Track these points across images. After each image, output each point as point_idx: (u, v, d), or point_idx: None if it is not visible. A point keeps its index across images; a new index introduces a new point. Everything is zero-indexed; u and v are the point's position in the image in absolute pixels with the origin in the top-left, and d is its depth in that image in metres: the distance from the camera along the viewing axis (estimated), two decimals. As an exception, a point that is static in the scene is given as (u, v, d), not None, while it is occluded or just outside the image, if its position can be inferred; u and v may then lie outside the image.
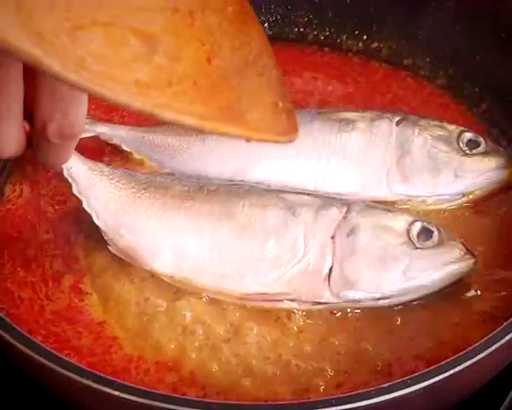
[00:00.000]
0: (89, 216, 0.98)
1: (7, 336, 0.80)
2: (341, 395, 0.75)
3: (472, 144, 1.05)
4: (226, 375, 0.89)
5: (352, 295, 0.92)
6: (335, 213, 0.95)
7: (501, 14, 1.12)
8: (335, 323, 0.93)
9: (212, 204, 0.97)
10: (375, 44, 1.25)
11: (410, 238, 0.93)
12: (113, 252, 0.97)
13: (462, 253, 0.94)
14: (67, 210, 1.04)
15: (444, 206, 1.03)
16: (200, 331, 0.92)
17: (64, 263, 0.99)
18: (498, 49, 1.13)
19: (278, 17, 1.27)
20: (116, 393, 0.75)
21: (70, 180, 0.98)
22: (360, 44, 1.25)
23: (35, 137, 0.70)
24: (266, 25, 1.28)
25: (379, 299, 0.92)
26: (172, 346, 0.91)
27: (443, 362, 0.77)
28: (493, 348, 0.78)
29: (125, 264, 0.97)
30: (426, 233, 0.94)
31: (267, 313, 0.93)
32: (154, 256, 0.96)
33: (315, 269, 0.93)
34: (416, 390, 0.75)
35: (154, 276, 0.96)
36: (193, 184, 1.00)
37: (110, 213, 0.97)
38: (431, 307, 0.93)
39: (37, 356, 0.78)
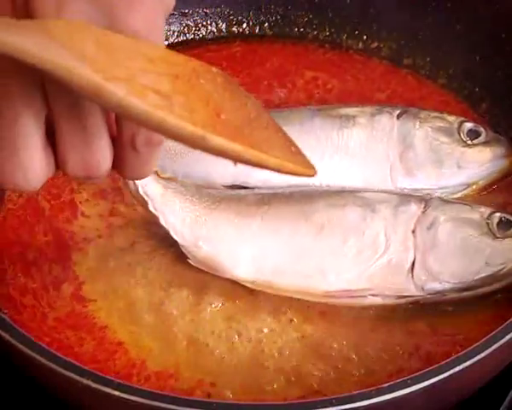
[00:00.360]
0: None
1: (7, 336, 0.80)
2: (341, 395, 0.75)
3: (473, 134, 1.06)
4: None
5: (436, 286, 0.93)
6: (414, 208, 0.97)
7: (501, 14, 1.12)
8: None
9: (289, 206, 0.98)
10: (375, 44, 1.25)
11: (490, 229, 0.95)
12: (193, 264, 0.97)
13: None
14: (63, 206, 1.05)
15: (449, 197, 1.04)
16: (211, 340, 0.92)
17: (64, 267, 0.99)
18: (498, 50, 1.13)
19: (278, 17, 1.27)
20: (116, 393, 0.75)
21: (145, 198, 0.98)
22: (360, 44, 1.25)
23: (121, 151, 0.70)
24: (266, 25, 1.28)
25: (463, 290, 0.93)
26: (184, 351, 0.91)
27: (443, 362, 0.77)
28: (493, 348, 0.78)
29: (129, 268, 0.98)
30: (506, 223, 0.96)
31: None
32: (234, 263, 0.96)
33: (397, 263, 0.94)
34: (416, 390, 0.75)
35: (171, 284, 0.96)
36: (267, 191, 1.01)
37: (187, 227, 0.98)
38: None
39: (37, 356, 0.78)
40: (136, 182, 0.97)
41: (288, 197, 1.00)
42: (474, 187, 1.05)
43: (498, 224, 0.96)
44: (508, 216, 0.97)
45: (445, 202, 0.99)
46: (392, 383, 0.75)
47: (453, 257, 0.94)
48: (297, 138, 1.04)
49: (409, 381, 0.75)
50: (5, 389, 0.96)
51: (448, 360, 0.77)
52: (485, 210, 0.97)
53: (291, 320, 0.94)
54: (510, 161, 1.06)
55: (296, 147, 0.72)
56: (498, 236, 0.95)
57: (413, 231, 0.95)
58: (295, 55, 1.24)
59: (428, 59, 1.21)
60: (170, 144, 1.08)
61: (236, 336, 0.93)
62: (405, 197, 0.99)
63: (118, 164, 0.71)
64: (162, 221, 0.98)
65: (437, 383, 0.76)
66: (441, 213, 0.96)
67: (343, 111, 1.07)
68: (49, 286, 0.97)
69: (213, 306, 0.95)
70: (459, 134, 1.05)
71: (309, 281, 0.95)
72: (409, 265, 0.94)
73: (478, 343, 0.79)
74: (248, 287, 0.96)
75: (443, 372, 0.76)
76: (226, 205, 0.99)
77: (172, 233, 0.98)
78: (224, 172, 1.05)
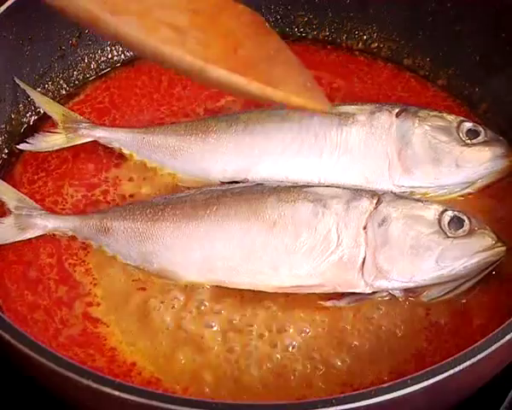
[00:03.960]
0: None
1: (7, 336, 0.80)
2: (341, 395, 0.75)
3: (472, 134, 1.06)
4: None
5: (385, 284, 0.94)
6: (366, 203, 0.96)
7: (501, 14, 1.12)
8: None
9: (239, 205, 0.97)
10: (375, 44, 1.25)
11: (441, 228, 0.95)
12: (152, 276, 0.98)
13: (494, 241, 0.95)
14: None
15: (447, 196, 1.04)
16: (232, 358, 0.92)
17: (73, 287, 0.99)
18: (498, 50, 1.12)
19: (278, 17, 1.27)
20: (116, 393, 0.75)
21: (87, 241, 1.01)
22: (360, 44, 1.25)
23: None
24: (266, 25, 1.28)
25: (412, 289, 0.94)
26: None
27: (443, 362, 0.77)
28: (493, 348, 0.78)
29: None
30: (457, 222, 0.95)
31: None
32: (186, 270, 0.97)
33: (349, 260, 0.94)
34: (416, 390, 0.75)
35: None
36: (216, 190, 1.01)
37: (132, 248, 0.99)
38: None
39: (37, 356, 0.78)
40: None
41: (237, 195, 0.99)
42: (473, 186, 1.05)
43: (450, 222, 0.95)
44: (460, 215, 0.96)
45: (398, 197, 0.99)
46: (392, 383, 0.76)
47: (403, 255, 0.94)
48: (296, 136, 1.05)
49: (409, 381, 0.75)
50: (5, 389, 0.96)
51: (448, 360, 0.77)
52: (438, 208, 0.97)
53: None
54: (509, 161, 1.06)
55: (312, 82, 0.73)
56: (449, 235, 0.95)
57: (364, 228, 0.95)
58: (295, 54, 1.24)
59: (428, 59, 1.21)
60: (169, 141, 1.08)
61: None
62: (358, 192, 0.98)
63: None
64: (108, 252, 0.99)
65: (437, 383, 0.76)
66: (393, 210, 0.96)
67: (342, 109, 1.07)
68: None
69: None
70: (458, 133, 1.06)
71: (262, 278, 0.95)
72: (360, 261, 0.94)
73: (478, 343, 0.79)
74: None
75: (443, 372, 0.76)
76: (171, 211, 0.99)
77: (121, 259, 0.99)
78: (223, 168, 1.06)
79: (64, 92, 1.20)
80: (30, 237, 1.01)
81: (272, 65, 0.70)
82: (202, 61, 0.63)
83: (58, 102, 1.16)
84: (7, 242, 1.00)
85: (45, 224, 1.01)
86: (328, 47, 1.25)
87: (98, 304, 0.96)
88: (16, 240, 1.00)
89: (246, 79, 0.66)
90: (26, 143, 1.10)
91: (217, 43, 0.66)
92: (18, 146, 1.10)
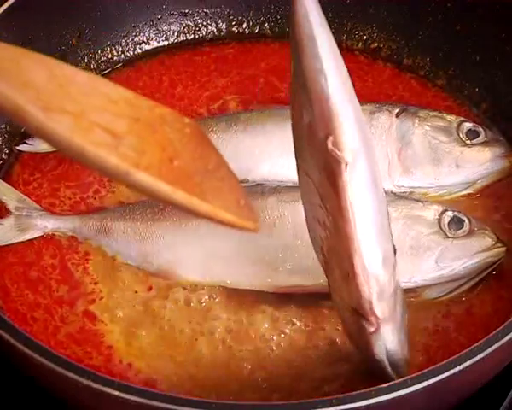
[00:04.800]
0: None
1: (7, 336, 0.80)
2: (341, 395, 0.75)
3: (472, 134, 1.06)
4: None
5: None
6: None
7: (501, 14, 1.12)
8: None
9: None
10: (375, 44, 1.25)
11: (441, 228, 0.95)
12: (152, 275, 0.98)
13: (493, 241, 0.95)
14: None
15: (447, 197, 1.04)
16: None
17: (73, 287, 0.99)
18: (498, 49, 1.13)
19: (278, 17, 1.27)
20: (116, 393, 0.74)
21: (87, 241, 1.00)
22: (360, 45, 1.25)
23: None
24: (266, 25, 1.28)
25: (411, 290, 0.93)
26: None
27: (443, 362, 0.77)
28: (493, 348, 0.78)
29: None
30: (457, 222, 0.95)
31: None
32: (186, 270, 0.97)
33: None
34: (416, 390, 0.75)
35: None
36: None
37: (133, 248, 0.99)
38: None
39: (37, 356, 0.78)
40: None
41: None
42: (473, 186, 1.05)
43: (450, 222, 0.95)
44: (460, 215, 0.96)
45: (398, 197, 0.99)
46: (392, 383, 0.75)
47: (403, 255, 0.92)
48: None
49: (409, 381, 0.75)
50: (5, 389, 0.96)
51: (448, 359, 0.77)
52: (438, 208, 0.97)
53: None
54: (509, 162, 1.06)
55: (246, 201, 0.72)
56: (449, 235, 0.95)
57: None
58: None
59: (428, 59, 1.21)
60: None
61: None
62: None
63: None
64: (109, 251, 0.99)
65: (437, 383, 0.75)
66: (393, 210, 0.95)
67: None
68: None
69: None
70: (458, 134, 1.06)
71: (261, 278, 0.95)
72: None
73: (478, 343, 0.79)
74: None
75: (443, 372, 0.76)
76: (172, 210, 0.98)
77: (121, 259, 0.99)
78: None
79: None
80: (29, 237, 1.01)
81: (207, 179, 0.69)
82: (127, 165, 0.63)
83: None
84: (7, 243, 1.00)
85: (45, 224, 1.01)
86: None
87: (98, 302, 0.96)
88: (16, 241, 1.01)
89: (172, 187, 0.65)
90: (25, 145, 1.10)
91: (152, 151, 0.66)
92: (17, 147, 1.10)
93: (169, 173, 0.66)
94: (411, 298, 0.94)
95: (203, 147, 0.72)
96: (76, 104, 0.64)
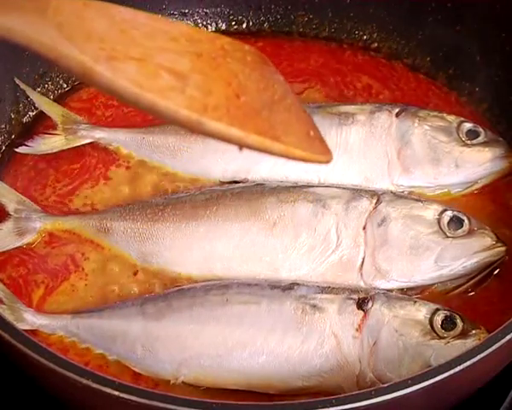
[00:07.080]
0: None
1: (7, 336, 0.80)
2: (341, 395, 0.75)
3: (472, 134, 1.06)
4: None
5: (384, 284, 0.93)
6: (366, 203, 0.96)
7: (501, 15, 1.12)
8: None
9: (239, 205, 0.98)
10: (375, 44, 1.24)
11: (440, 227, 0.95)
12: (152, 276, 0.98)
13: (493, 241, 0.96)
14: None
15: (446, 196, 1.04)
16: None
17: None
18: (498, 50, 1.12)
19: (278, 17, 1.27)
20: (116, 393, 0.74)
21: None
22: (360, 44, 1.25)
23: None
24: (266, 24, 1.28)
25: (411, 288, 0.93)
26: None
27: (443, 362, 0.77)
28: (493, 348, 0.78)
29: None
30: (456, 222, 0.96)
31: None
32: (186, 269, 0.97)
33: (348, 260, 0.94)
34: (416, 390, 0.75)
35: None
36: (216, 190, 1.01)
37: (132, 248, 0.99)
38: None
39: (37, 356, 0.78)
40: None
41: (237, 195, 0.99)
42: (473, 187, 1.05)
43: (449, 222, 0.95)
44: (459, 215, 0.96)
45: (398, 197, 0.99)
46: (392, 383, 0.76)
47: (402, 255, 0.94)
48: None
49: (409, 381, 0.75)
50: (5, 389, 0.96)
51: (448, 360, 0.77)
52: (438, 207, 0.97)
53: None
54: (509, 162, 1.06)
55: (316, 131, 0.71)
56: (449, 235, 0.95)
57: (364, 228, 0.95)
58: (295, 53, 1.24)
59: (428, 59, 1.21)
60: (169, 141, 1.08)
61: None
62: (357, 192, 0.98)
63: None
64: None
65: (437, 383, 0.75)
66: (392, 210, 0.96)
67: (343, 108, 1.07)
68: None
69: None
70: (458, 134, 1.06)
71: (260, 277, 0.95)
72: (359, 262, 0.94)
73: (478, 343, 0.79)
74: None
75: (443, 372, 0.76)
76: (171, 211, 0.99)
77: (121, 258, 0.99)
78: (224, 168, 1.05)
79: (64, 92, 1.20)
80: (28, 241, 1.00)
81: (275, 112, 0.68)
82: (198, 115, 0.63)
83: (58, 102, 1.16)
84: (5, 249, 1.00)
85: (44, 226, 1.01)
86: (333, 44, 1.25)
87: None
88: (15, 246, 1.00)
89: (244, 132, 0.65)
90: (25, 146, 1.09)
91: (218, 88, 0.65)
92: (17, 149, 1.10)
93: (237, 112, 0.65)
94: (412, 296, 0.94)
95: (266, 75, 0.70)
96: (139, 48, 0.63)
